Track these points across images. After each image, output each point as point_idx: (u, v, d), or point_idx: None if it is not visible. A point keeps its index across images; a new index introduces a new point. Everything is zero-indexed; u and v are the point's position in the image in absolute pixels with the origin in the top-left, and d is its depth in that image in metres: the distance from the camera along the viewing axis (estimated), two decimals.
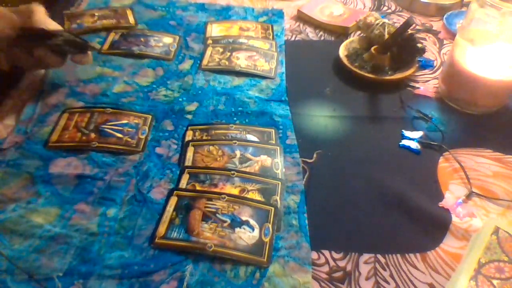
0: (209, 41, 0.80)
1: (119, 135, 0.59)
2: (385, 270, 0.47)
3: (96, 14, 0.83)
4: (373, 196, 0.54)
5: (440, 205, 0.54)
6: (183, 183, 0.53)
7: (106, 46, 0.76)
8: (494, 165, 0.59)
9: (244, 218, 0.49)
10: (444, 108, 0.69)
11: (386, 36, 0.74)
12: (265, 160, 0.57)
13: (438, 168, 0.59)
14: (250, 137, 0.61)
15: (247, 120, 0.64)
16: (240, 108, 0.66)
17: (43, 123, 0.60)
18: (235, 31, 0.83)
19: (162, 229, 0.48)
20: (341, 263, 0.47)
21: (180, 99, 0.67)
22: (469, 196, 0.55)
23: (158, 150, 0.58)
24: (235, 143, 0.59)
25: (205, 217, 0.49)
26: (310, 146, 0.60)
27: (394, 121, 0.66)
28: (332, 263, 0.47)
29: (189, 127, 0.62)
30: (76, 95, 0.65)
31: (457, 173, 0.58)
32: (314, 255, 0.48)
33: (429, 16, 0.93)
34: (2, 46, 0.58)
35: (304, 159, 0.58)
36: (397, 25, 0.77)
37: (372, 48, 0.74)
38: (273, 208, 0.50)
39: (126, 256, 0.46)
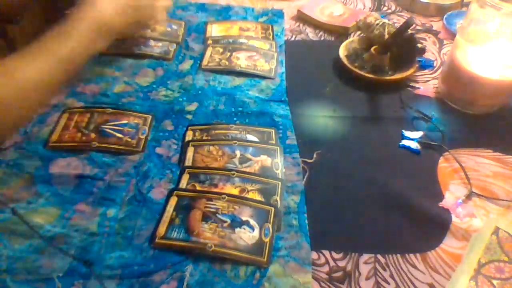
0: (209, 41, 0.80)
1: (119, 135, 0.59)
2: (385, 270, 0.47)
3: None
4: (373, 196, 0.54)
5: (440, 205, 0.54)
6: (183, 183, 0.53)
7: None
8: (494, 165, 0.59)
9: (244, 218, 0.49)
10: (444, 108, 0.69)
11: (386, 36, 0.74)
12: (265, 160, 0.57)
13: (438, 168, 0.59)
14: (250, 137, 0.61)
15: (247, 120, 0.64)
16: (240, 108, 0.66)
17: (43, 123, 0.60)
18: (235, 31, 0.83)
19: (162, 229, 0.48)
20: (341, 263, 0.47)
21: (180, 99, 0.67)
22: (469, 196, 0.55)
23: (158, 150, 0.58)
24: (235, 143, 0.59)
25: (205, 217, 0.49)
26: (310, 146, 0.60)
27: (394, 121, 0.66)
28: (332, 263, 0.47)
29: (189, 127, 0.62)
30: (76, 95, 0.66)
31: (457, 173, 0.58)
32: (314, 255, 0.48)
33: (429, 16, 0.93)
34: None
35: (304, 159, 0.58)
36: (397, 25, 0.77)
37: (372, 48, 0.74)
38: (273, 208, 0.50)
39: (126, 256, 0.46)
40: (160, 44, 0.77)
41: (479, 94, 0.66)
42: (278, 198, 0.52)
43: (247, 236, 0.47)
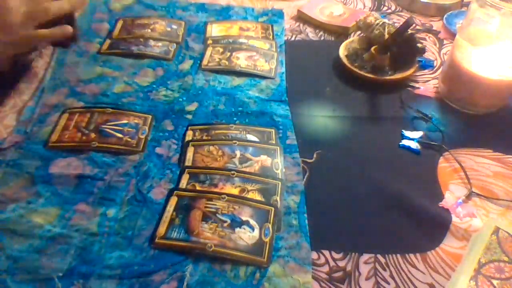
0: (209, 41, 0.80)
1: (119, 135, 0.59)
2: (385, 270, 0.47)
3: None
4: (373, 196, 0.54)
5: (440, 205, 0.54)
6: (183, 183, 0.53)
7: (105, 46, 0.76)
8: (494, 165, 0.59)
9: (244, 218, 0.49)
10: (444, 108, 0.69)
11: (386, 36, 0.74)
12: (265, 160, 0.57)
13: (438, 168, 0.59)
14: (250, 137, 0.61)
15: (247, 120, 0.64)
16: (240, 108, 0.66)
17: (43, 123, 0.60)
18: (235, 31, 0.83)
19: (162, 229, 0.48)
20: (341, 263, 0.47)
21: (180, 99, 0.67)
22: (469, 196, 0.55)
23: (158, 150, 0.58)
24: (235, 143, 0.59)
25: (205, 217, 0.49)
26: (310, 146, 0.60)
27: (394, 121, 0.66)
28: (332, 263, 0.47)
29: (189, 127, 0.62)
30: (76, 95, 0.65)
31: (457, 173, 0.58)
32: (314, 255, 0.48)
33: (429, 16, 0.93)
34: None
35: (304, 159, 0.58)
36: (397, 25, 0.77)
37: (372, 48, 0.74)
38: (273, 208, 0.50)
39: (126, 256, 0.46)
40: (160, 44, 0.77)
41: (479, 94, 0.66)
42: (278, 198, 0.52)
43: (247, 236, 0.48)
